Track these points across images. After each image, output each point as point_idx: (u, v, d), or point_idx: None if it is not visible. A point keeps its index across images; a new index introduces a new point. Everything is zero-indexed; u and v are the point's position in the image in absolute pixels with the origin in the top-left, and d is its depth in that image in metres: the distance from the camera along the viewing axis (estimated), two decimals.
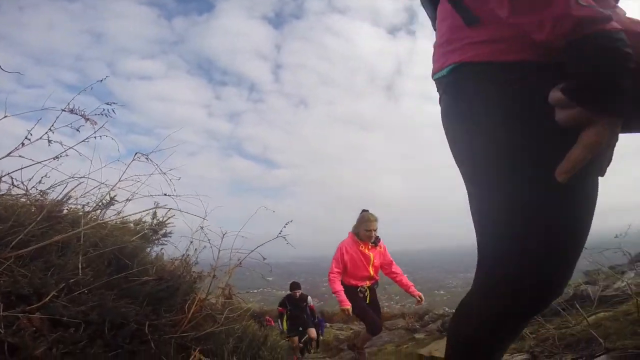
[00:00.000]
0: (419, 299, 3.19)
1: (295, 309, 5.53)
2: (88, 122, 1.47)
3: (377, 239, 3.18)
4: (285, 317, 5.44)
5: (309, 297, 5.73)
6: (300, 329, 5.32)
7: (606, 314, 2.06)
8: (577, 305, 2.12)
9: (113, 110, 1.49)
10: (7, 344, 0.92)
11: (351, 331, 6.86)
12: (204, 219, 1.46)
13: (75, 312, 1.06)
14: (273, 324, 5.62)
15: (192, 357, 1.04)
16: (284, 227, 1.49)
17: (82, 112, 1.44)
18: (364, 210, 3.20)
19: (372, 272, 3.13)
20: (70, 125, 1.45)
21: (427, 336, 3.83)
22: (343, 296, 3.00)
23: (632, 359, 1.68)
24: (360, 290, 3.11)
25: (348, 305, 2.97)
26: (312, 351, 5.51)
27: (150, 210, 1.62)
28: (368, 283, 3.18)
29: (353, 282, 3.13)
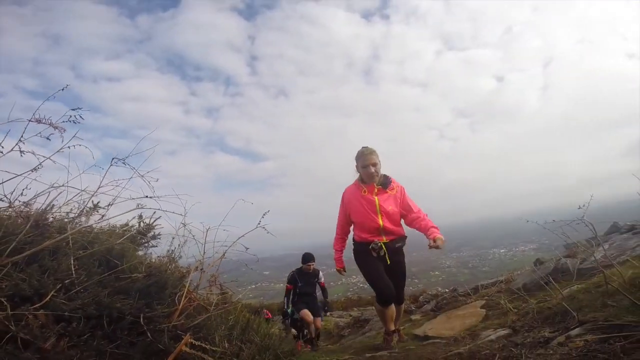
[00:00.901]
0: (432, 242, 2.51)
1: (306, 285, 5.14)
2: (57, 130, 1.58)
3: (387, 180, 2.69)
4: (291, 294, 5.11)
5: (321, 273, 5.29)
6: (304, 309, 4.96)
7: (579, 287, 2.31)
8: (552, 280, 2.36)
9: (80, 116, 1.60)
10: (20, 339, 1.11)
11: (350, 317, 7.25)
12: (184, 215, 1.63)
13: (75, 307, 1.25)
14: (271, 316, 5.77)
15: (184, 341, 1.24)
16: (262, 216, 1.66)
17: (49, 121, 1.54)
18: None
19: (382, 222, 2.62)
20: (39, 135, 1.55)
21: (422, 317, 4.15)
22: (337, 255, 2.87)
23: (603, 330, 1.93)
24: (372, 246, 2.61)
25: (339, 266, 2.86)
26: (312, 336, 5.13)
27: (134, 213, 1.78)
28: (384, 238, 2.66)
29: (364, 235, 2.70)
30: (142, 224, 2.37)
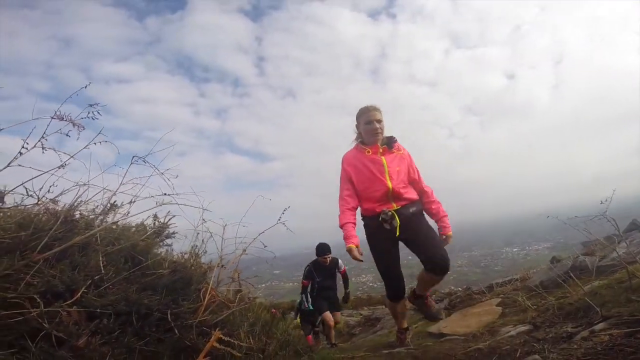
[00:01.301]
0: (444, 237, 2.44)
1: (326, 278, 4.61)
2: (76, 127, 1.61)
3: (391, 139, 2.36)
4: (308, 290, 4.58)
5: (340, 260, 4.72)
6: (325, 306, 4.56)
7: (601, 283, 2.27)
8: (572, 276, 2.32)
9: (98, 112, 1.64)
10: (54, 337, 1.12)
11: (361, 316, 7.23)
12: (203, 211, 1.65)
13: (106, 304, 1.27)
14: (279, 315, 5.73)
15: (213, 336, 1.25)
16: (283, 212, 1.67)
17: (70, 118, 1.58)
18: None
19: (391, 184, 2.23)
20: (60, 131, 1.59)
21: None
22: (349, 231, 2.19)
23: (628, 324, 1.89)
24: (382, 217, 2.20)
25: (352, 243, 2.13)
26: (332, 341, 4.56)
27: (153, 211, 1.80)
28: (394, 205, 2.26)
29: (370, 205, 2.30)
30: (157, 222, 2.40)
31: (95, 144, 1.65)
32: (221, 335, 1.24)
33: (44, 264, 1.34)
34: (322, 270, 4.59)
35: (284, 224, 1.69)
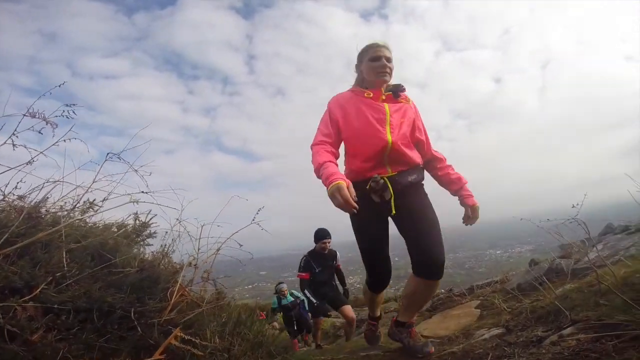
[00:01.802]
0: (469, 211, 2.01)
1: (324, 270, 4.01)
2: (49, 124, 1.58)
3: (399, 87, 1.81)
4: (307, 285, 4.05)
5: (338, 253, 4.25)
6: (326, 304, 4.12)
7: (572, 286, 2.31)
8: (546, 280, 2.35)
9: (74, 112, 1.62)
10: (7, 331, 1.10)
11: None
12: (181, 211, 1.63)
13: (65, 300, 1.24)
14: (264, 316, 5.78)
15: (173, 334, 1.23)
16: (257, 213, 1.65)
17: (43, 115, 1.55)
18: None
19: (391, 138, 1.68)
20: (32, 128, 1.57)
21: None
22: (330, 169, 1.51)
23: (595, 329, 1.92)
24: (371, 185, 1.67)
25: (339, 179, 1.43)
26: (312, 342, 4.53)
27: (128, 208, 1.78)
28: (389, 170, 1.73)
29: (358, 166, 1.74)
30: (137, 221, 2.37)
31: (64, 141, 1.62)
32: (181, 334, 1.22)
33: (4, 261, 1.31)
34: (320, 261, 4.04)
35: (258, 224, 1.68)
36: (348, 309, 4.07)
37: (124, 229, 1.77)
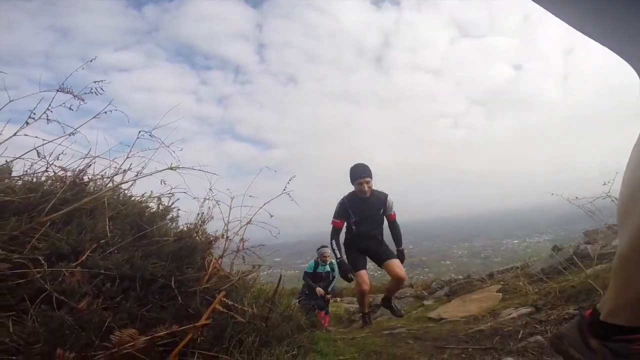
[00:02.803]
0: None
1: (363, 222, 3.04)
2: (78, 100, 1.59)
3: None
4: (337, 235, 3.08)
5: (389, 198, 3.09)
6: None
7: (603, 266, 2.23)
8: (576, 260, 2.28)
9: (102, 88, 1.62)
10: (55, 298, 1.11)
11: None
12: (215, 174, 1.63)
13: (110, 266, 1.25)
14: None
15: (218, 298, 1.23)
16: (288, 182, 1.64)
17: (71, 91, 1.56)
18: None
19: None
20: (64, 105, 1.58)
21: (435, 302, 4.10)
22: None
23: None
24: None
25: None
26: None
27: (162, 176, 1.77)
28: None
29: None
30: (160, 206, 2.38)
31: (105, 112, 1.63)
32: (225, 299, 1.22)
33: (51, 228, 1.33)
34: (360, 206, 3.00)
35: (289, 194, 1.67)
36: (396, 264, 3.02)
37: (159, 201, 1.78)
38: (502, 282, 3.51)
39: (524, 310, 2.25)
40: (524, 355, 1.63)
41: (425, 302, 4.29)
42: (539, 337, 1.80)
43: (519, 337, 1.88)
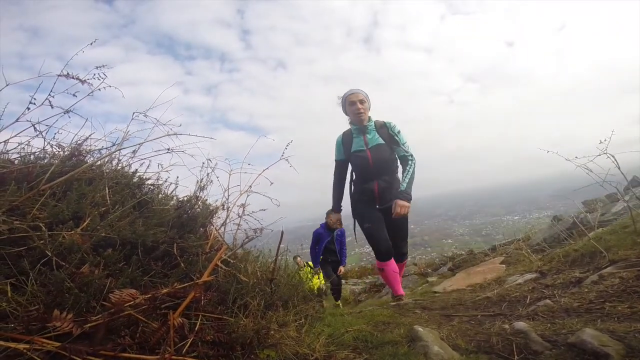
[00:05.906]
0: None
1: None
2: (84, 84, 1.52)
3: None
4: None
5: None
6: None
7: (606, 229, 2.15)
8: (580, 224, 2.20)
9: (104, 73, 1.55)
10: (55, 262, 1.06)
11: (366, 284, 7.26)
12: (212, 138, 1.56)
13: (111, 231, 1.20)
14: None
15: (218, 256, 1.18)
16: (286, 147, 1.56)
17: (76, 76, 1.49)
18: None
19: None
20: (67, 91, 1.51)
21: (440, 278, 4.05)
22: None
23: (637, 267, 1.78)
24: None
25: None
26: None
27: (164, 142, 1.69)
28: None
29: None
30: (160, 195, 2.32)
31: (99, 89, 1.56)
32: (226, 257, 1.17)
33: (51, 197, 1.28)
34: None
35: (287, 160, 1.60)
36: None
37: (157, 175, 1.72)
38: (505, 255, 3.44)
39: (529, 276, 2.19)
40: (535, 319, 1.56)
41: (430, 279, 4.25)
42: (547, 301, 1.73)
43: (527, 302, 1.81)
